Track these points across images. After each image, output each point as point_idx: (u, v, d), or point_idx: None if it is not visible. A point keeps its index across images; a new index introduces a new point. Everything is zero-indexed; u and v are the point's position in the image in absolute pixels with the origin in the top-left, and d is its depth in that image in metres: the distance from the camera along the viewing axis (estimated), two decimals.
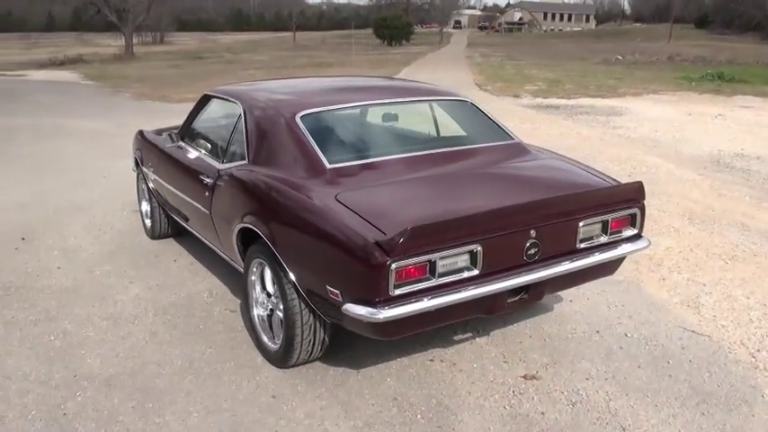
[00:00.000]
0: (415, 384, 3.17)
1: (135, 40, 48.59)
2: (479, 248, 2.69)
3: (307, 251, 2.88)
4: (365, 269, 2.53)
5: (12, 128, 11.99)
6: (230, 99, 3.91)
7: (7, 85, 24.50)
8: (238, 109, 3.73)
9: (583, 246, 3.06)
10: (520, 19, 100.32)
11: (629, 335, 3.65)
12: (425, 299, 2.61)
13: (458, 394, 3.08)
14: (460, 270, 2.70)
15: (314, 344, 3.13)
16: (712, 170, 7.67)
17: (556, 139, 9.88)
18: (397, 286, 2.56)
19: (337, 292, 2.69)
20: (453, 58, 36.65)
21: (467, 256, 2.70)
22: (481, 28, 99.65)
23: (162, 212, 5.13)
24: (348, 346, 3.44)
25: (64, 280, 4.56)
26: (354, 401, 3.03)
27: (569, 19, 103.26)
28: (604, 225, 3.12)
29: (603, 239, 3.13)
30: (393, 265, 2.50)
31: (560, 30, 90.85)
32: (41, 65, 35.49)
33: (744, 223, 5.58)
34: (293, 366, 3.27)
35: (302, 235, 2.90)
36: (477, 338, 3.62)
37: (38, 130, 11.71)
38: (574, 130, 10.66)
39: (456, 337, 3.62)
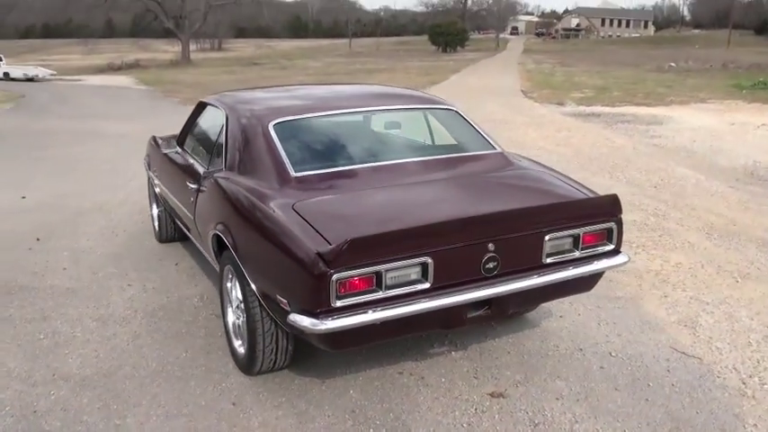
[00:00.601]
0: (377, 397, 3.11)
1: (193, 47, 50.06)
2: (430, 261, 2.63)
3: (262, 259, 2.88)
4: (307, 279, 2.51)
5: (54, 130, 12.51)
6: (218, 106, 3.95)
7: (62, 90, 25.61)
8: (222, 116, 3.77)
9: (550, 261, 2.95)
10: (577, 25, 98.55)
11: (613, 354, 3.51)
12: (370, 311, 2.57)
13: (418, 410, 3.01)
14: (411, 283, 2.65)
15: (277, 353, 3.12)
16: (744, 182, 7.34)
17: (587, 147, 9.65)
18: (340, 297, 2.52)
19: (285, 301, 2.67)
20: (505, 65, 36.35)
21: (418, 269, 2.64)
22: (538, 34, 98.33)
23: (167, 216, 5.22)
24: (321, 356, 3.41)
25: (67, 281, 4.69)
26: (312, 412, 3.00)
27: (627, 25, 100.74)
28: (575, 239, 3.00)
29: (575, 254, 3.02)
30: (334, 277, 2.47)
31: (618, 36, 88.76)
32: (99, 70, 36.95)
33: (765, 239, 5.29)
34: (259, 374, 3.26)
35: (259, 243, 2.90)
36: (453, 353, 3.54)
37: (78, 133, 12.17)
38: (609, 139, 10.38)
39: (431, 351, 3.55)
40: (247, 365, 3.21)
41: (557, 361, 3.45)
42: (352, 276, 2.51)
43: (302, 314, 2.56)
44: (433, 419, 2.94)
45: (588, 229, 3.01)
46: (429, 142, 3.89)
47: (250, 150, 3.38)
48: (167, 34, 49.35)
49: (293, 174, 3.14)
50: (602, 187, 7.19)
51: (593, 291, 3.83)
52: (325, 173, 3.24)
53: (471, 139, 3.76)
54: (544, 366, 3.39)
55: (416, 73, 29.90)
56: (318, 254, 2.48)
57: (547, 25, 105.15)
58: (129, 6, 53.70)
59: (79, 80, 31.61)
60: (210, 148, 3.89)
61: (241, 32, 77.37)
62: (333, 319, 2.51)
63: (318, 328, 2.50)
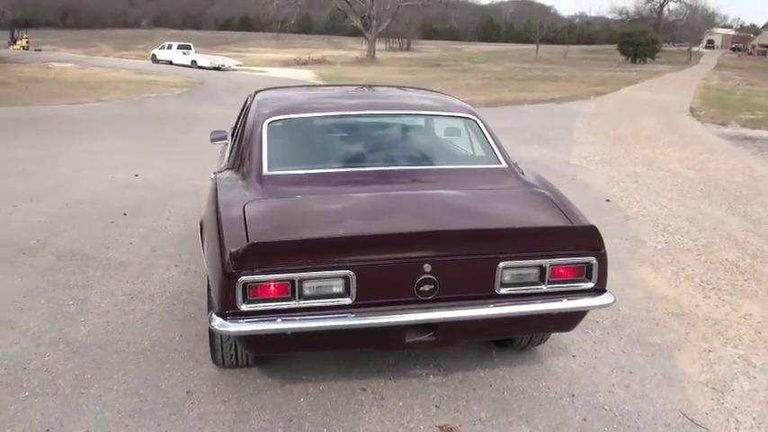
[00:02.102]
0: (322, 410, 3.01)
1: (382, 46, 51.59)
2: (352, 275, 2.48)
3: (207, 254, 2.90)
4: (219, 279, 2.49)
5: (208, 116, 13.52)
6: (248, 100, 4.04)
7: (240, 80, 27.60)
8: (245, 111, 3.85)
9: (506, 291, 2.66)
10: None
11: (606, 408, 3.10)
12: (279, 320, 2.48)
13: (355, 430, 2.86)
14: (332, 296, 2.53)
15: (236, 349, 3.12)
16: None
17: (721, 174, 8.64)
18: (248, 301, 2.46)
19: (212, 298, 2.66)
20: (687, 81, 33.49)
21: (340, 282, 2.50)
22: (734, 49, 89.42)
23: None
24: (299, 360, 3.38)
25: (125, 255, 5.06)
26: (252, 413, 2.98)
27: None
28: (542, 271, 2.67)
29: (542, 288, 2.69)
30: (240, 279, 2.42)
31: None
32: (285, 63, 39.28)
33: None
34: (225, 368, 3.29)
35: (206, 238, 2.92)
36: (432, 377, 3.33)
37: (229, 119, 13.05)
38: (749, 167, 9.22)
39: (411, 371, 3.37)
40: (212, 358, 3.25)
41: (537, 404, 3.12)
42: (263, 281, 2.45)
43: (216, 313, 2.54)
44: None
45: (558, 261, 2.68)
46: (428, 151, 3.68)
47: (246, 147, 3.42)
48: (357, 33, 51.41)
49: (265, 172, 3.14)
50: (710, 219, 6.47)
51: (626, 332, 3.44)
52: (297, 174, 3.21)
53: (479, 151, 3.51)
54: (519, 407, 3.08)
55: (594, 82, 28.49)
56: (230, 254, 2.44)
57: (744, 39, 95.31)
58: (325, 4, 56.78)
59: (262, 72, 33.85)
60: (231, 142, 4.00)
61: (432, 34, 78.36)
62: (238, 323, 2.47)
63: (225, 329, 2.47)
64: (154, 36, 55.24)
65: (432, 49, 68.38)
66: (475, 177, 3.31)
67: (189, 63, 35.25)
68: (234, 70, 34.71)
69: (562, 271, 2.70)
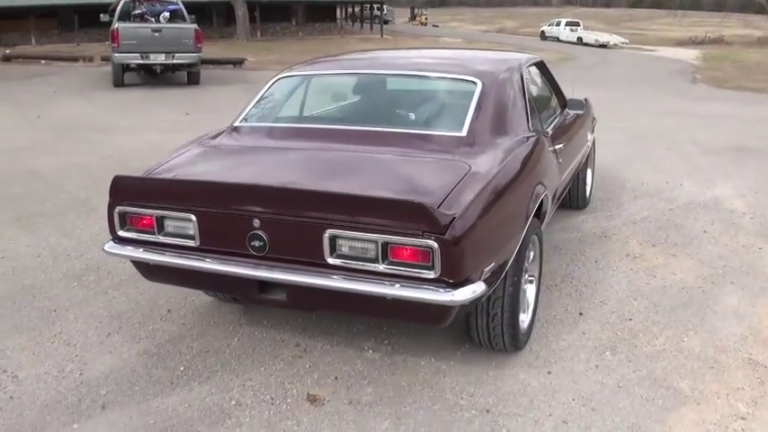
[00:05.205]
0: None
1: None
2: (194, 219, 2.57)
3: None
4: None
5: None
6: None
7: (616, 57, 26.51)
8: None
9: (336, 262, 2.39)
10: None
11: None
12: (141, 250, 2.72)
13: (225, 381, 2.87)
14: (184, 237, 2.65)
15: None
16: None
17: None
18: (127, 230, 2.75)
19: None
20: None
21: (190, 225, 2.61)
22: None
23: None
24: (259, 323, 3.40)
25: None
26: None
27: None
28: (383, 249, 2.32)
29: (378, 267, 2.34)
30: (117, 209, 2.73)
31: None
32: (680, 42, 35.88)
33: None
34: None
35: None
36: (372, 352, 3.10)
37: None
38: None
39: (355, 342, 3.19)
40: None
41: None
42: (133, 214, 2.70)
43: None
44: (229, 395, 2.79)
45: (397, 240, 2.28)
46: (401, 113, 3.39)
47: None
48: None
49: (236, 123, 3.38)
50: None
51: (635, 369, 2.82)
52: (258, 126, 3.36)
53: (454, 116, 3.08)
54: (408, 394, 2.72)
55: None
56: (111, 184, 2.76)
57: None
58: None
59: (648, 51, 31.65)
60: None
61: None
62: (117, 247, 2.79)
63: (107, 250, 2.82)
64: (562, 14, 55.72)
65: None
66: (424, 143, 2.91)
67: (575, 40, 34.98)
68: (620, 48, 33.19)
69: (406, 253, 2.29)
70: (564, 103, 4.34)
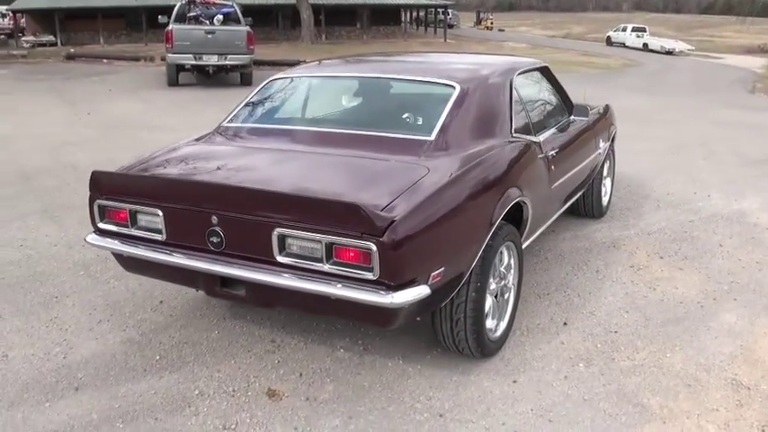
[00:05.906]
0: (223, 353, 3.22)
1: None
2: (160, 214, 2.67)
3: None
4: None
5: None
6: None
7: (681, 64, 25.70)
8: None
9: (286, 261, 2.44)
10: None
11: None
12: (117, 242, 2.85)
13: (195, 378, 2.94)
14: (154, 231, 2.75)
15: None
16: None
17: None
18: (105, 222, 2.89)
19: None
20: None
21: (159, 220, 2.71)
22: None
23: None
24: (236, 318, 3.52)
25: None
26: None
27: None
28: (328, 249, 2.36)
29: (323, 267, 2.38)
30: (96, 202, 2.86)
31: None
32: (748, 50, 34.55)
33: None
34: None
35: None
36: (343, 351, 3.14)
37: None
38: None
39: (330, 340, 3.24)
40: None
41: (380, 390, 2.70)
42: (110, 208, 2.83)
43: None
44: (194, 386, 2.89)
45: (340, 241, 2.31)
46: (377, 117, 3.41)
47: None
48: None
49: (223, 124, 3.47)
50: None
51: (606, 382, 2.85)
52: (242, 126, 3.45)
53: (427, 120, 3.07)
54: (366, 394, 2.74)
55: None
56: (90, 178, 2.90)
57: None
58: None
59: (714, 58, 30.57)
60: None
61: None
62: (97, 239, 2.93)
63: (88, 241, 2.96)
64: (631, 19, 54.24)
65: None
66: (393, 146, 2.93)
67: (641, 46, 34.07)
68: (686, 55, 32.12)
69: (350, 254, 2.31)
70: (570, 110, 4.26)
